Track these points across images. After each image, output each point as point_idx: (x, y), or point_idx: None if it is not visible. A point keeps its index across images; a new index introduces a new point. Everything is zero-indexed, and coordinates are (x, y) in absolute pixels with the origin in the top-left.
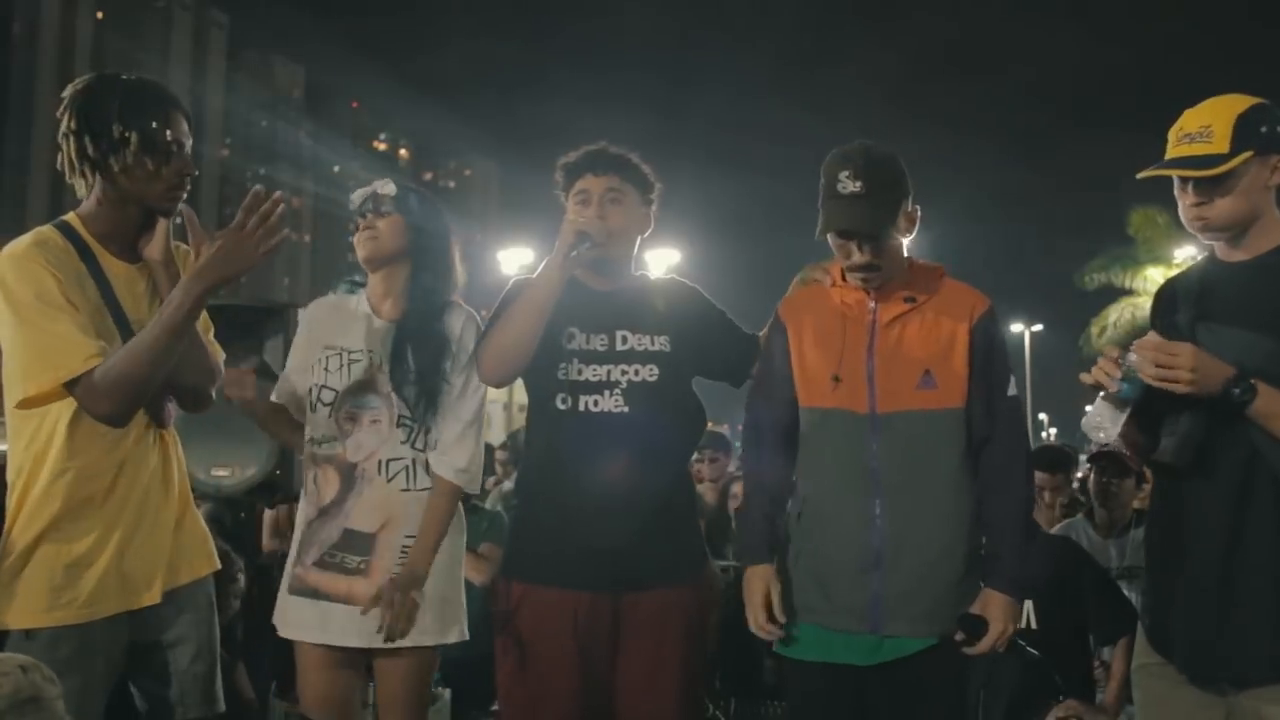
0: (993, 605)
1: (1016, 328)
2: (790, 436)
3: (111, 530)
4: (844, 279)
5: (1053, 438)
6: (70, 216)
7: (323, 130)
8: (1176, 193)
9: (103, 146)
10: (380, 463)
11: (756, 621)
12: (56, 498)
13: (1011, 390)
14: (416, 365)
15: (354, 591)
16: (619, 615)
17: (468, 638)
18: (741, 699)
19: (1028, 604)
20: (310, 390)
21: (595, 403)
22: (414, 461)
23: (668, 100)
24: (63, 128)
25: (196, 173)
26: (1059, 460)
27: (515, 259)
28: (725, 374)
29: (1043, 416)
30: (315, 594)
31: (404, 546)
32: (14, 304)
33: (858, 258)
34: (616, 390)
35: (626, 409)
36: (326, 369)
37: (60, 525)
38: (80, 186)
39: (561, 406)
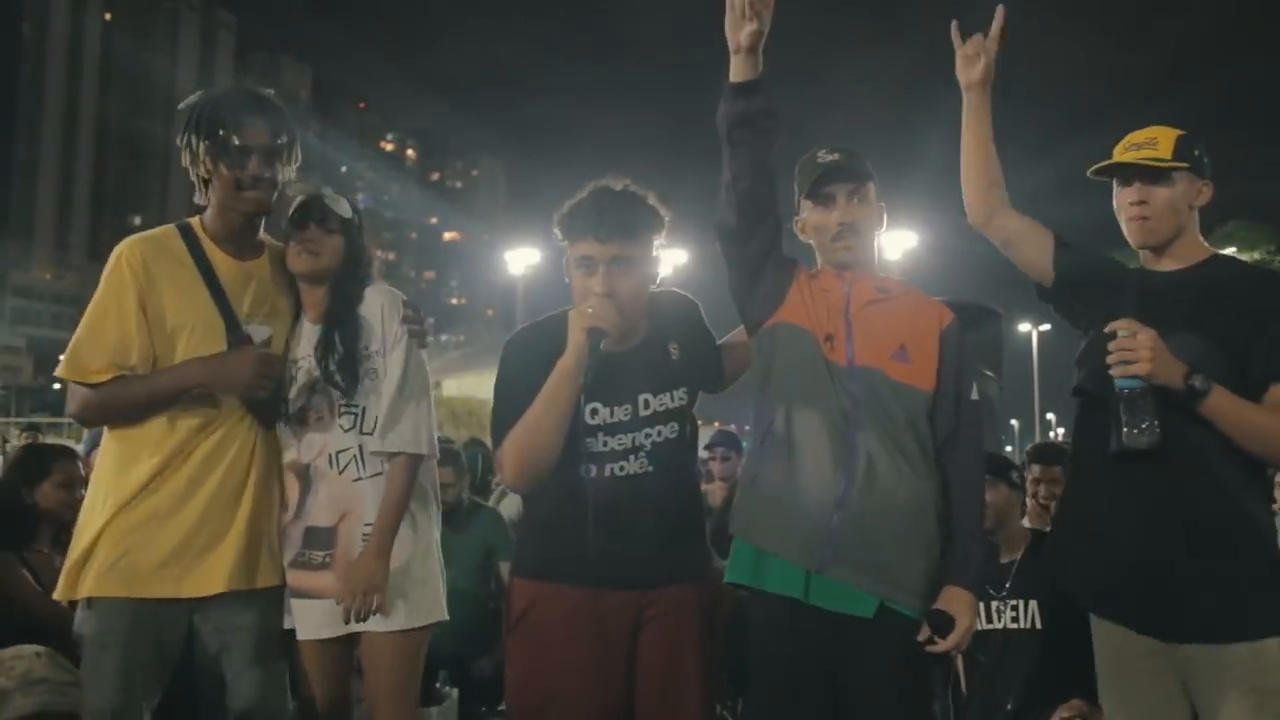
0: (958, 601)
1: (1024, 327)
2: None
3: (176, 518)
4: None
5: (1060, 437)
6: (194, 218)
7: (330, 130)
8: (1116, 197)
9: (189, 158)
10: (330, 456)
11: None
12: (129, 481)
13: (975, 395)
14: (342, 348)
15: (323, 586)
16: (636, 612)
17: (446, 618)
18: (748, 698)
19: (1032, 604)
20: None
21: (621, 468)
22: (360, 448)
23: (675, 98)
24: None
25: (267, 174)
26: (1054, 454)
27: (522, 259)
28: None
29: (1050, 416)
30: (296, 593)
31: (365, 535)
32: (98, 290)
33: (841, 214)
34: (641, 453)
35: (651, 469)
36: (284, 384)
37: (128, 506)
38: (198, 195)
39: (586, 475)
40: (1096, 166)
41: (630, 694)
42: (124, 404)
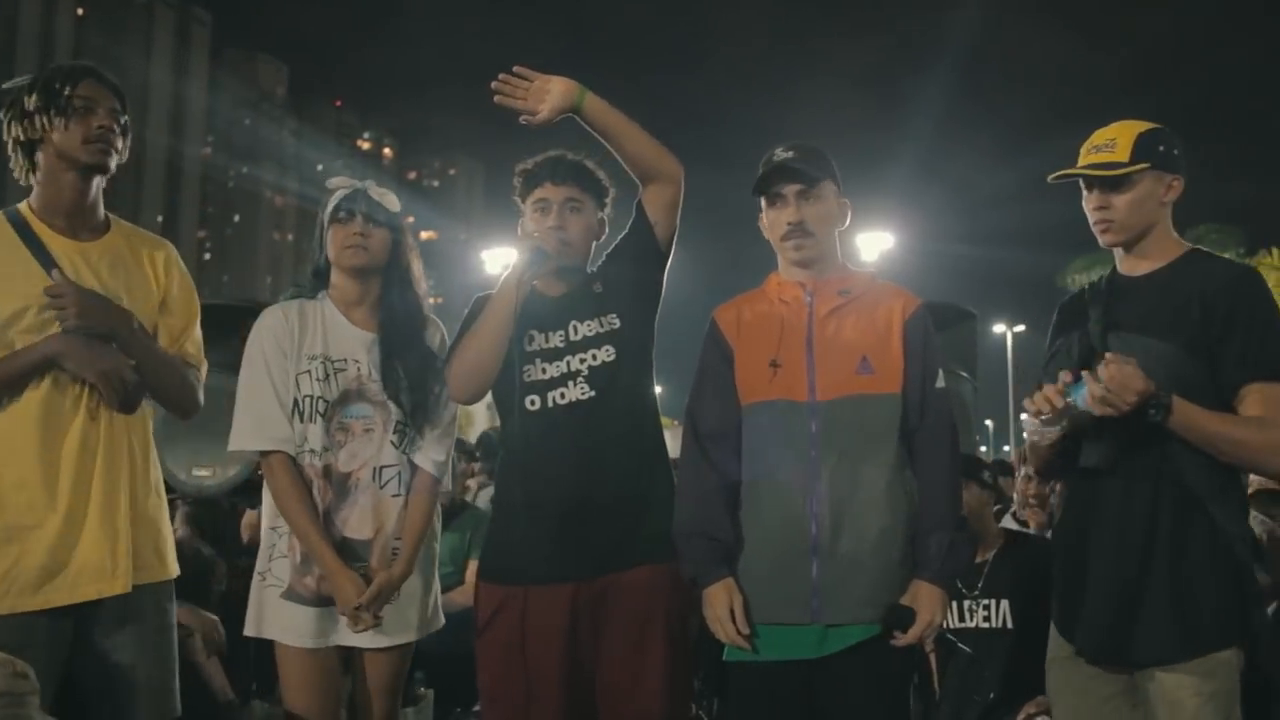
0: (921, 596)
1: (999, 328)
2: (738, 437)
3: (41, 520)
4: (778, 281)
5: None
6: (22, 203)
7: (306, 129)
8: (1084, 201)
9: (23, 122)
10: (374, 470)
11: (728, 636)
12: None
13: (940, 383)
14: (407, 376)
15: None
16: (600, 599)
17: (443, 623)
18: (723, 699)
19: (1004, 604)
20: (300, 401)
21: (562, 395)
22: (403, 467)
23: (658, 98)
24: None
25: (116, 129)
26: None
27: (500, 259)
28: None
29: (1024, 417)
30: (321, 601)
31: (393, 549)
32: None
33: (790, 214)
34: (579, 379)
35: (593, 394)
36: (314, 378)
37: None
38: (28, 178)
39: (531, 408)
40: (1058, 174)
41: (598, 672)
42: None
